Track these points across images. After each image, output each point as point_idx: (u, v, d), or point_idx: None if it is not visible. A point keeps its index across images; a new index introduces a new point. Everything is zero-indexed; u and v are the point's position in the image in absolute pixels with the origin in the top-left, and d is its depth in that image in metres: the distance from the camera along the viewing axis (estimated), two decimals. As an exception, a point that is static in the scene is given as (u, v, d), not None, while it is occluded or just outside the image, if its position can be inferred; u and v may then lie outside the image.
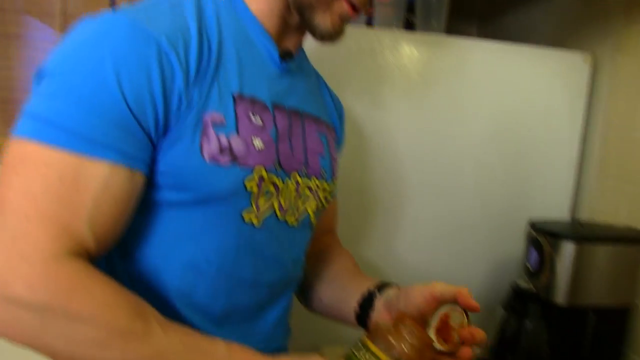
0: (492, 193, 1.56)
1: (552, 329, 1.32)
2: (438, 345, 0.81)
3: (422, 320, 0.82)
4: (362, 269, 1.07)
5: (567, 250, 1.28)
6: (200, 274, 0.78)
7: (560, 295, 1.29)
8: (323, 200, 0.94)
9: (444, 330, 0.83)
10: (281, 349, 0.96)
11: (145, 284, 0.77)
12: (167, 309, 0.77)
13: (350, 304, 0.97)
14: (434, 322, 0.82)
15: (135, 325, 0.63)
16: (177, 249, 0.77)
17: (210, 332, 0.78)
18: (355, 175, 1.50)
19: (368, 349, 0.76)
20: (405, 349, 0.75)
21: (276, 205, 0.83)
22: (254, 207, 0.79)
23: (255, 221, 0.80)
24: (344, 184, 1.43)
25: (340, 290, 1.02)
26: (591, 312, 1.30)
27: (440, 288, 0.83)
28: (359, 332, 0.94)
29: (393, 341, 0.76)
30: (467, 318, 0.83)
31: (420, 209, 1.55)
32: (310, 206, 0.91)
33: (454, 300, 0.83)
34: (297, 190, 0.86)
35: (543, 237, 1.32)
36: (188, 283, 0.78)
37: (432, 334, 0.81)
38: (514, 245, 1.53)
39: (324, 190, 0.94)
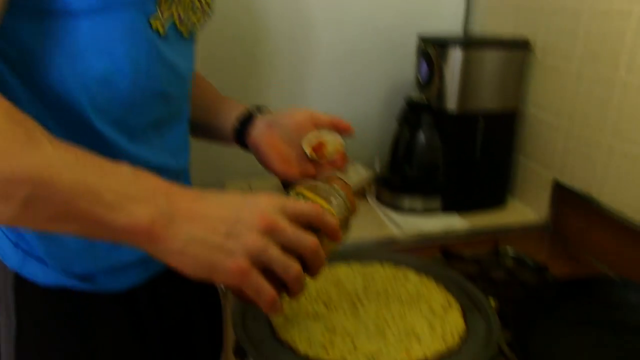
0: (386, 14, 1.55)
1: (444, 137, 1.36)
2: (312, 155, 0.88)
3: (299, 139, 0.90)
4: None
5: (455, 57, 1.29)
6: (115, 88, 0.74)
7: (451, 103, 1.33)
8: (206, 16, 0.91)
9: (318, 149, 0.90)
10: (186, 167, 0.96)
11: (57, 104, 0.71)
12: (83, 126, 0.73)
13: (228, 121, 0.98)
14: (311, 140, 0.89)
15: (16, 133, 0.53)
16: (89, 63, 0.71)
17: (126, 148, 0.78)
18: (249, 15, 1.44)
19: (305, 197, 0.74)
20: (338, 201, 0.76)
21: (176, 15, 0.79)
22: (159, 13, 0.75)
23: (161, 30, 0.76)
24: (239, 29, 1.37)
25: (215, 111, 1.02)
26: (481, 118, 1.35)
27: (320, 112, 0.91)
28: (258, 167, 0.96)
29: (328, 192, 0.76)
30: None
31: (316, 40, 1.52)
32: (198, 19, 0.88)
33: (330, 127, 0.91)
34: (191, 0, 0.82)
35: (432, 48, 1.33)
36: (104, 98, 0.73)
37: (306, 147, 0.89)
38: (410, 63, 1.54)
39: (207, 3, 0.90)
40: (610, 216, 1.14)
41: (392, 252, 1.14)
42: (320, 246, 0.63)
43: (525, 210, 1.45)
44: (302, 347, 0.81)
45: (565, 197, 1.29)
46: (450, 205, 1.40)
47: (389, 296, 0.94)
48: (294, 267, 0.61)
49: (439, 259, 1.15)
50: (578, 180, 1.25)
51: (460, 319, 0.89)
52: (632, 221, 1.09)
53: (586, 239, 1.22)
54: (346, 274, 1.02)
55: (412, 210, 1.38)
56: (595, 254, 1.18)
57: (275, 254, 0.59)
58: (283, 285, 0.64)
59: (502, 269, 1.09)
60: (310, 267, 0.63)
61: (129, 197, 0.54)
